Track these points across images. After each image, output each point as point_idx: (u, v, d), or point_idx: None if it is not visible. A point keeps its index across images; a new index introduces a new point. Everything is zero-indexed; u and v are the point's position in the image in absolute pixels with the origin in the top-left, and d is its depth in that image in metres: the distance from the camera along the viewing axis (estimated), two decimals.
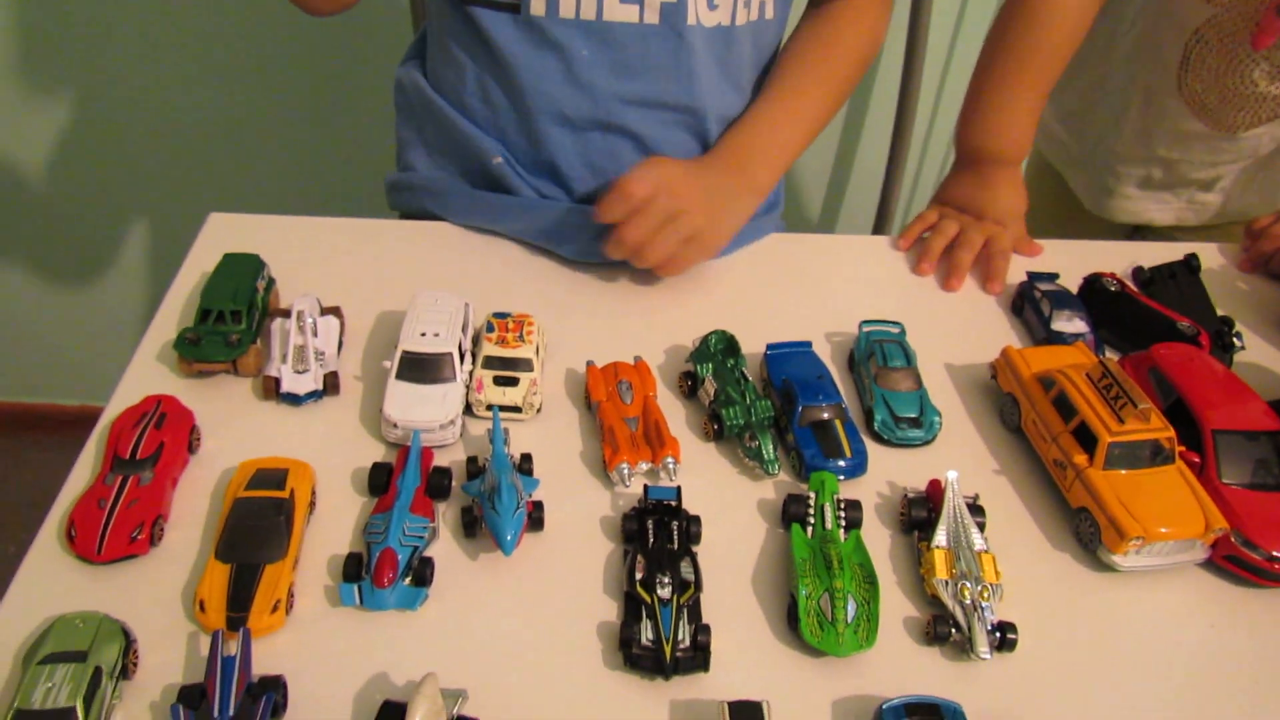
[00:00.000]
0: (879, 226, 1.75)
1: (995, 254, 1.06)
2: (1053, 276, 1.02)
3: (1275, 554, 0.75)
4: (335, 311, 0.91)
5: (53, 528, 0.74)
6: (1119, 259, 1.08)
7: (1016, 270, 1.05)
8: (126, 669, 0.64)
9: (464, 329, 0.86)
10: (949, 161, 1.81)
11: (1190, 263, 1.03)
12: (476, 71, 1.01)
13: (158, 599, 0.70)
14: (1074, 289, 1.01)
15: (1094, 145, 1.30)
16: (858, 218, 1.90)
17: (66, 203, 1.86)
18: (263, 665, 0.65)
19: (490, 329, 0.87)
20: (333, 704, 0.64)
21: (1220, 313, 1.00)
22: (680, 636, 0.67)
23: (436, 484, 0.77)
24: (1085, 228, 1.33)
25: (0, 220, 1.89)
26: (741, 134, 1.06)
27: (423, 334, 0.84)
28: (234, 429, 0.82)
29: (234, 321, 0.86)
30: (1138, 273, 1.05)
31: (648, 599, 0.69)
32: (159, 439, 0.77)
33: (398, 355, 0.83)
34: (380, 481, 0.77)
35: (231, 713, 0.60)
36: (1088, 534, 0.78)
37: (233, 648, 0.64)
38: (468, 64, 1.01)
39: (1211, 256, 1.12)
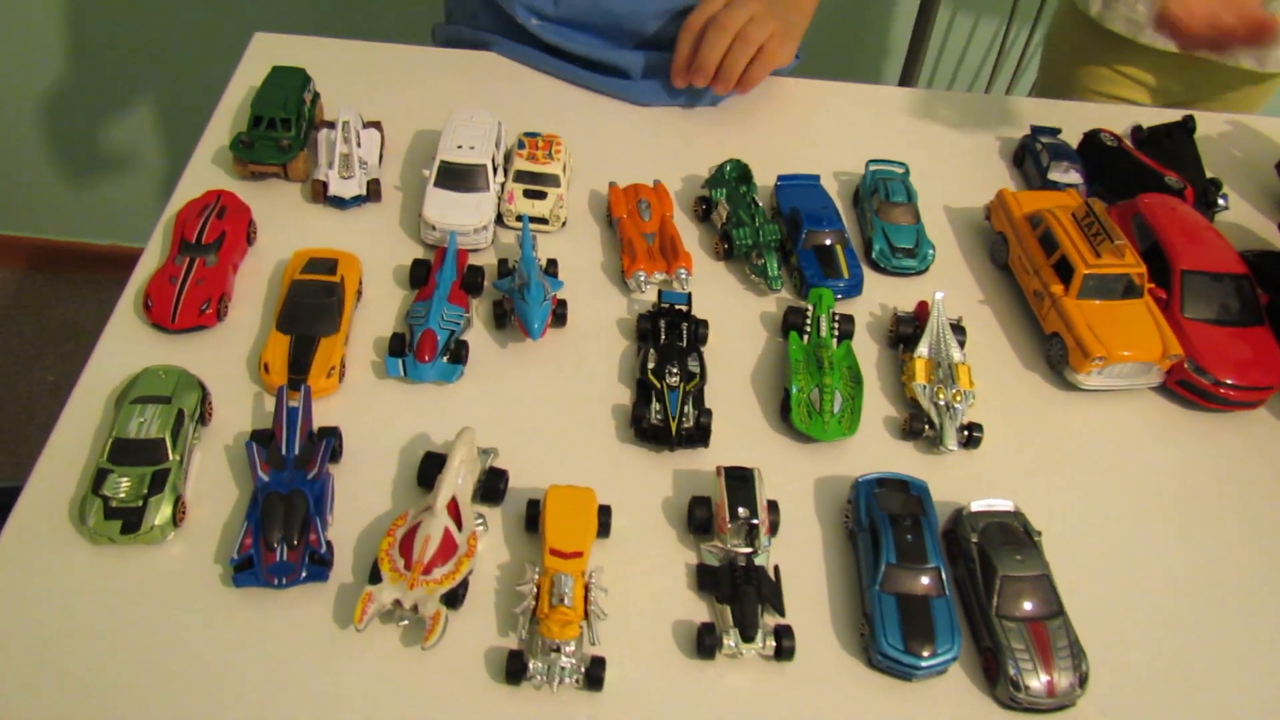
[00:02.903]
0: (906, 79, 1.76)
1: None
2: (1054, 131, 1.07)
3: (1222, 380, 0.83)
4: (376, 125, 0.97)
5: (129, 299, 0.82)
6: (1122, 119, 1.13)
7: (1021, 125, 1.10)
8: (204, 415, 0.74)
9: (497, 145, 0.93)
10: (980, 19, 1.81)
11: (1186, 124, 1.08)
12: None
13: (225, 364, 0.79)
14: (1076, 145, 1.07)
15: None
16: (886, 68, 1.90)
17: (105, 30, 1.87)
18: (320, 421, 0.74)
19: (521, 146, 0.93)
20: (381, 454, 0.74)
21: (1210, 175, 1.06)
22: (685, 416, 0.76)
23: (471, 280, 0.85)
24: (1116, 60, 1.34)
25: (39, 58, 1.90)
26: None
27: (459, 146, 0.90)
28: (286, 226, 0.90)
29: (284, 128, 0.93)
30: (1136, 131, 1.10)
31: (657, 385, 0.78)
32: (221, 227, 0.84)
33: (436, 164, 0.89)
34: (420, 275, 0.85)
35: (296, 451, 0.70)
36: (1057, 356, 0.86)
37: (295, 401, 0.73)
38: None
39: (1213, 124, 1.17)
